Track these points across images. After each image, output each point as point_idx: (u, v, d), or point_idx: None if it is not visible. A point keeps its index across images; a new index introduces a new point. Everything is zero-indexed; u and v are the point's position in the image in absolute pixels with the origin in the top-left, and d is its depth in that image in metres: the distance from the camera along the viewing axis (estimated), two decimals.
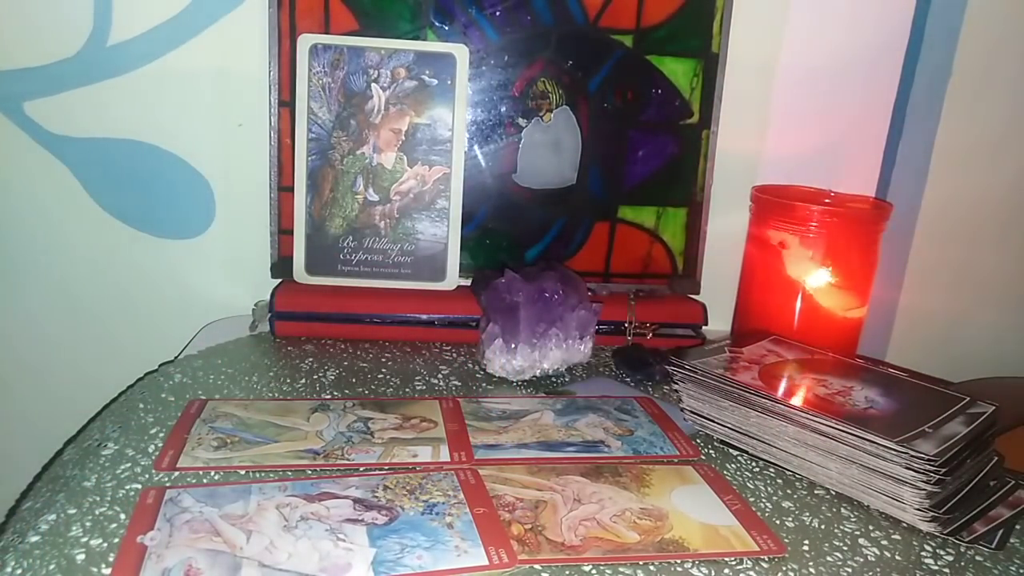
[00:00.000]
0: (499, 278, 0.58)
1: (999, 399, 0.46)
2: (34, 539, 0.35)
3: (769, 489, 0.44)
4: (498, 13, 0.64)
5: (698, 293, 0.70)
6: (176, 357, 0.60)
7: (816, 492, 0.44)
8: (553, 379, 0.59)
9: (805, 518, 0.42)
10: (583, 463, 0.45)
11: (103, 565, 0.34)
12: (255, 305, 0.65)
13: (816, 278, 0.62)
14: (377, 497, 0.40)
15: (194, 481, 0.40)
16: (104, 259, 0.69)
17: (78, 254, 0.68)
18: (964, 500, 0.42)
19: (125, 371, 0.58)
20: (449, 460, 0.44)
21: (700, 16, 0.66)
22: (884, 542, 0.40)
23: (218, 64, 0.65)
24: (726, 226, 0.71)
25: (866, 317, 0.65)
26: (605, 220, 0.70)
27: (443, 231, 0.65)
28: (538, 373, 0.58)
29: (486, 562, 0.35)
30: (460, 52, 0.63)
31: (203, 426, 0.46)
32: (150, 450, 0.43)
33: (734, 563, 0.37)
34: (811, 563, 0.37)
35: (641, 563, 0.36)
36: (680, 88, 0.68)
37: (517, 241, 0.69)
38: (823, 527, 0.41)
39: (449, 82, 0.63)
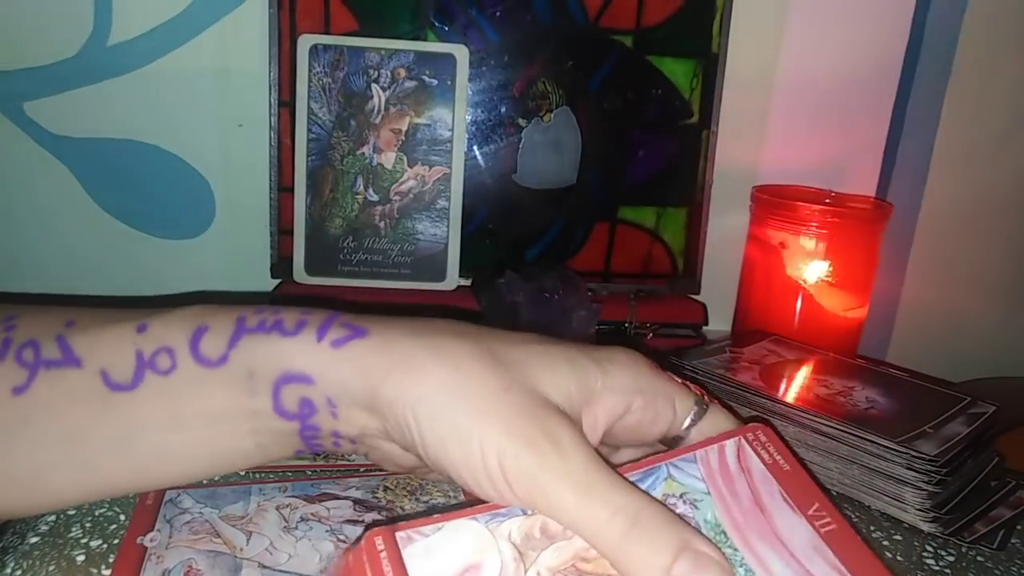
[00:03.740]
0: (499, 278, 0.58)
1: (1000, 399, 0.46)
2: (33, 540, 0.35)
3: None
4: (498, 13, 0.64)
5: (698, 293, 0.69)
6: None
7: None
8: None
9: None
10: None
11: (103, 566, 0.34)
12: None
13: (816, 278, 0.62)
14: (377, 498, 0.40)
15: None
16: (104, 259, 0.69)
17: (78, 254, 0.68)
18: (965, 500, 0.42)
19: None
20: None
21: (700, 16, 0.66)
22: (885, 543, 0.40)
23: (218, 64, 0.65)
24: (726, 226, 0.71)
25: (866, 317, 0.65)
26: (605, 220, 0.70)
27: (443, 231, 0.65)
28: None
29: None
30: (460, 52, 0.63)
31: None
32: None
33: None
34: None
35: None
36: (680, 88, 0.68)
37: (517, 241, 0.69)
38: None
39: (449, 82, 0.63)
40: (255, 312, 0.28)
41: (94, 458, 0.28)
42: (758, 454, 0.29)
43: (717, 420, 0.30)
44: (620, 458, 0.33)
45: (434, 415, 0.26)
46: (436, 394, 0.26)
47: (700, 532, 0.25)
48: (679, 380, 0.31)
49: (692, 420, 0.30)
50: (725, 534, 0.27)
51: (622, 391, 0.28)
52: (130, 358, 0.28)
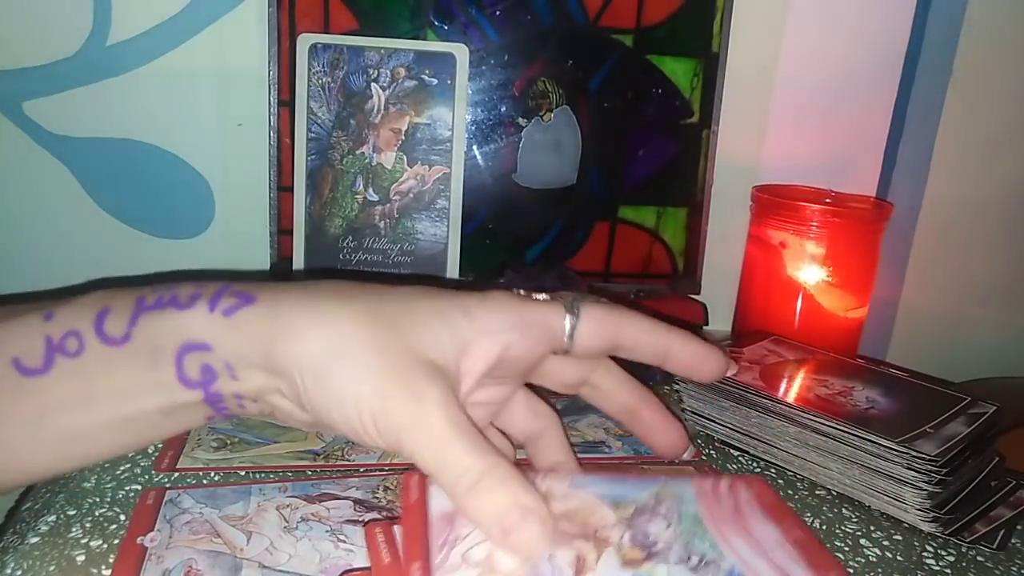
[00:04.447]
0: (499, 278, 0.58)
1: (1000, 399, 0.46)
2: (34, 540, 0.35)
3: None
4: (498, 13, 0.64)
5: (698, 293, 0.69)
6: None
7: (817, 493, 0.44)
8: None
9: (807, 519, 0.42)
10: (584, 463, 0.45)
11: (103, 566, 0.33)
12: None
13: (817, 278, 0.62)
14: (378, 498, 0.39)
15: (194, 482, 0.40)
16: (104, 259, 0.68)
17: (77, 254, 0.68)
18: (965, 500, 0.42)
19: None
20: None
21: (700, 15, 0.66)
22: (885, 542, 0.40)
23: (218, 64, 0.65)
24: (726, 226, 0.71)
25: (867, 317, 0.65)
26: (605, 220, 0.70)
27: (443, 231, 0.65)
28: None
29: None
30: (460, 52, 0.63)
31: (203, 427, 0.46)
32: (150, 451, 0.43)
33: None
34: None
35: None
36: (680, 88, 0.68)
37: (517, 241, 0.69)
38: (824, 528, 0.41)
39: (449, 82, 0.63)
40: (153, 291, 0.30)
41: (8, 441, 0.29)
42: (748, 488, 0.33)
43: (593, 316, 0.33)
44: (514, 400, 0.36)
45: (317, 376, 0.28)
46: (318, 357, 0.28)
47: (533, 490, 0.28)
48: (546, 297, 0.33)
49: (571, 329, 0.32)
50: (701, 522, 0.31)
51: (495, 332, 0.31)
52: (40, 344, 0.29)
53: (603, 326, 0.33)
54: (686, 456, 0.38)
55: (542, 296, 0.33)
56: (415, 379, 0.28)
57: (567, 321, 0.32)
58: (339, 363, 0.28)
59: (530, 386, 0.37)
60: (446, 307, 0.31)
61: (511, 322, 0.31)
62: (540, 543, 0.27)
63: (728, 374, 0.35)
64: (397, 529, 0.30)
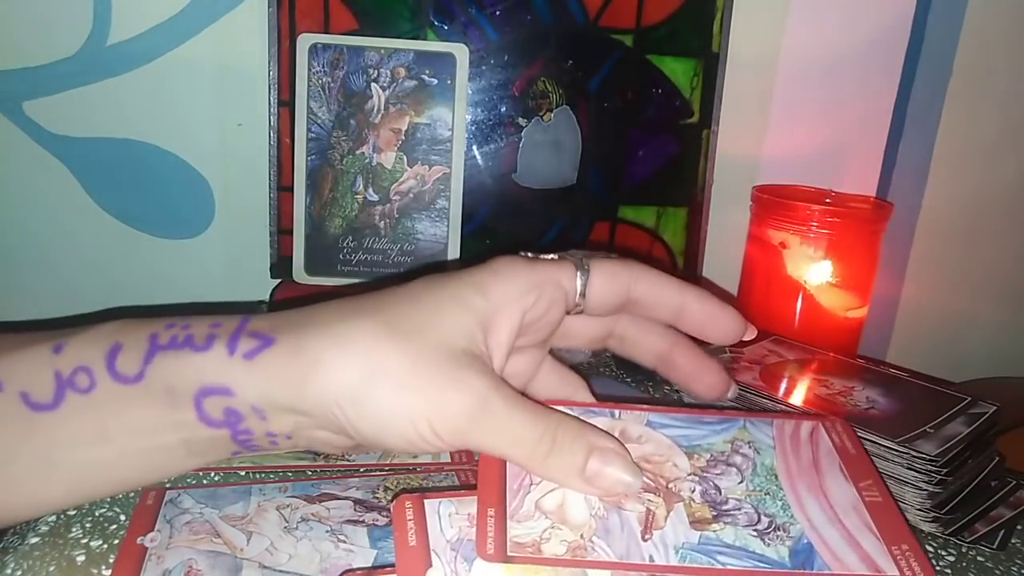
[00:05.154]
0: None
1: (1000, 399, 0.46)
2: (34, 540, 0.35)
3: None
4: (498, 12, 0.64)
5: None
6: None
7: None
8: None
9: None
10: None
11: (103, 566, 0.34)
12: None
13: (817, 278, 0.62)
14: (378, 498, 0.39)
15: (194, 482, 0.40)
16: (103, 259, 0.68)
17: (77, 254, 0.68)
18: (965, 500, 0.42)
19: None
20: (450, 461, 0.44)
21: (700, 15, 0.66)
22: None
23: (218, 64, 0.65)
24: (726, 226, 0.71)
25: (866, 317, 0.65)
26: (605, 220, 0.70)
27: (443, 231, 0.65)
28: None
29: None
30: (460, 52, 0.63)
31: None
32: None
33: None
34: None
35: None
36: (680, 88, 0.68)
37: (517, 241, 0.69)
38: None
39: (449, 82, 0.63)
40: (166, 328, 0.29)
41: (18, 478, 0.28)
42: (830, 436, 0.32)
43: (604, 270, 0.32)
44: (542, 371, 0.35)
45: (359, 404, 0.27)
46: (355, 386, 0.28)
47: (609, 434, 0.29)
48: (553, 258, 0.32)
49: (582, 286, 0.32)
50: (776, 477, 0.30)
51: (511, 300, 0.30)
52: (49, 378, 0.28)
53: (615, 280, 0.32)
54: (730, 395, 0.36)
55: (550, 256, 0.32)
56: (458, 373, 0.28)
57: (578, 278, 0.32)
58: (378, 385, 0.27)
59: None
60: (458, 290, 0.30)
61: (524, 287, 0.30)
62: (628, 478, 0.28)
63: (746, 338, 0.34)
64: (431, 504, 0.29)
